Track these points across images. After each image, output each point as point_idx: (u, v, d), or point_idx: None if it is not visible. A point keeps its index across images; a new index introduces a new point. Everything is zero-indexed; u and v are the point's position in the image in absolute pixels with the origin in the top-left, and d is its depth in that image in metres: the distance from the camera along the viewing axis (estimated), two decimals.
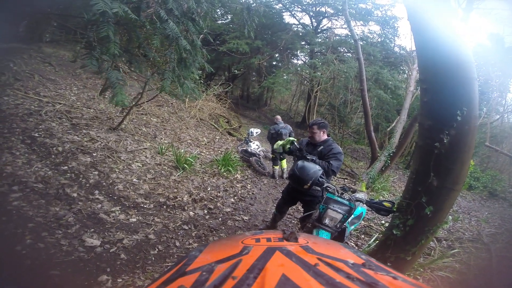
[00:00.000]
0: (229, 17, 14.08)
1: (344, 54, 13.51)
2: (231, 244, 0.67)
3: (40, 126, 3.80)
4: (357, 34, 10.02)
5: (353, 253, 0.62)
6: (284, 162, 5.81)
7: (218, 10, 13.05)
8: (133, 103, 5.18)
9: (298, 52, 15.21)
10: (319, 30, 14.72)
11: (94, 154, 3.71)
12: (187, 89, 3.88)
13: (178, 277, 0.50)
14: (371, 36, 13.69)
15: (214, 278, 0.46)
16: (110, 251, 2.36)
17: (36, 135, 3.59)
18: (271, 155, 5.97)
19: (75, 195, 2.87)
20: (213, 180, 4.55)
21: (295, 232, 0.66)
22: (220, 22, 13.98)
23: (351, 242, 3.43)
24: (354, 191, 2.64)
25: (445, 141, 1.72)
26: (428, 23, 1.82)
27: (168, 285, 0.48)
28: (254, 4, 7.71)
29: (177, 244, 2.76)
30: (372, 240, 3.30)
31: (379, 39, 13.58)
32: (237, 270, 0.48)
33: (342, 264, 0.51)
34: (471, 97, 1.72)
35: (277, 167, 5.80)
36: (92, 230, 2.52)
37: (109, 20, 2.45)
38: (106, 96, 5.98)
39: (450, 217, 4.81)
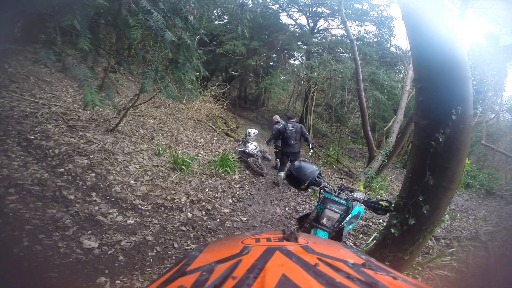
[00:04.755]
0: (226, 18, 14.04)
1: (341, 54, 13.49)
2: (231, 244, 0.67)
3: (36, 128, 3.76)
4: (353, 34, 10.03)
5: (353, 253, 0.62)
6: None
7: (215, 11, 13.01)
8: (130, 104, 5.16)
9: (295, 52, 15.18)
10: (315, 31, 14.72)
11: (91, 156, 3.69)
12: (171, 93, 3.57)
13: (178, 277, 0.50)
14: (367, 36, 13.70)
15: (214, 278, 0.46)
16: (108, 253, 2.35)
17: (32, 137, 3.56)
18: (274, 149, 6.31)
19: (72, 197, 2.85)
20: (211, 181, 4.54)
21: (295, 232, 0.66)
22: (217, 23, 13.94)
23: (349, 241, 3.45)
24: (351, 191, 2.67)
25: (440, 140, 1.73)
26: (423, 23, 1.82)
27: (168, 285, 0.48)
28: (251, 5, 7.66)
29: (175, 245, 2.75)
30: (370, 239, 3.32)
31: (375, 39, 13.60)
32: (237, 270, 0.48)
33: (342, 264, 0.51)
34: (466, 96, 1.73)
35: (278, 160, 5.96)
36: (90, 232, 2.51)
37: (74, 7, 2.13)
38: (102, 97, 5.95)
39: (447, 215, 4.84)
